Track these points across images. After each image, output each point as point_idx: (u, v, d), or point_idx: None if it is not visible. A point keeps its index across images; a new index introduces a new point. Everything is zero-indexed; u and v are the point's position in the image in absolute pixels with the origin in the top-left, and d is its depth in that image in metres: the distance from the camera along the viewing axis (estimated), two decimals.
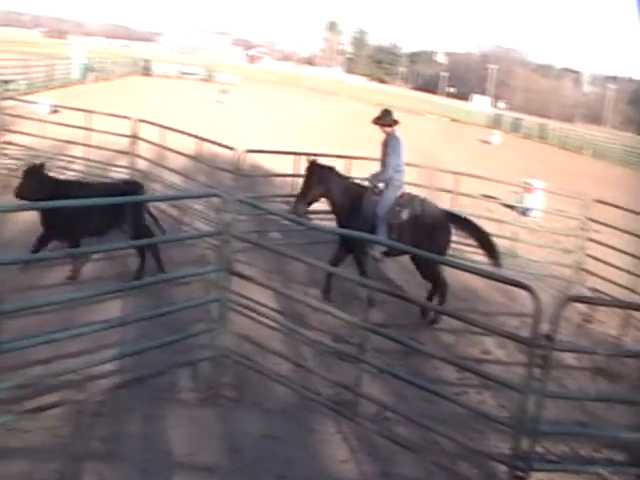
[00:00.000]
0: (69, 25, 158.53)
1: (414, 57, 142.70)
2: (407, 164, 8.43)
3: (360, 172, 11.36)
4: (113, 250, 7.51)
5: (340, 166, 11.95)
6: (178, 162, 12.15)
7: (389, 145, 8.38)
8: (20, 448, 4.79)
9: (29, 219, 8.38)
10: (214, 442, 5.14)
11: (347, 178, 8.93)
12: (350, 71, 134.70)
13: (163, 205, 10.77)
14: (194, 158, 11.59)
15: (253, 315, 6.25)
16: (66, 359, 5.80)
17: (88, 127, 12.88)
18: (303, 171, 8.70)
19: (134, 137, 12.39)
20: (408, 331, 7.43)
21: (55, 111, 19.12)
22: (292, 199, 11.43)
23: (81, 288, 7.10)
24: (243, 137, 17.42)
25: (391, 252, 8.28)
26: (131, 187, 8.29)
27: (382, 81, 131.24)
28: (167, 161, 12.12)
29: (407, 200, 8.40)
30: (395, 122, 8.45)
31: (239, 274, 6.16)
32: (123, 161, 12.57)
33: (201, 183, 11.03)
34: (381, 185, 8.41)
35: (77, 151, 13.20)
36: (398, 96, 75.23)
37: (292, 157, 11.00)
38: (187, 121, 17.94)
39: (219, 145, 10.71)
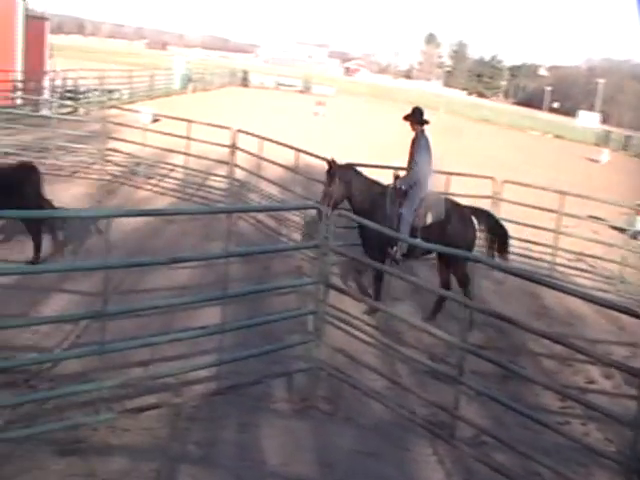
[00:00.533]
0: (170, 37, 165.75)
1: (516, 71, 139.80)
2: (507, 181, 8.30)
3: (460, 188, 11.30)
4: (212, 258, 7.73)
5: (439, 182, 11.96)
6: (275, 173, 12.44)
7: (418, 144, 8.29)
8: (119, 446, 5.03)
9: (133, 223, 8.81)
10: (307, 454, 5.21)
11: (367, 177, 8.62)
12: (448, 85, 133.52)
13: (261, 215, 11.05)
14: (291, 169, 11.82)
15: (348, 329, 6.32)
16: (164, 362, 6.05)
17: (188, 136, 13.41)
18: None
19: (233, 147, 12.78)
20: (507, 354, 7.27)
21: (156, 120, 20.00)
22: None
23: (181, 294, 7.39)
24: (339, 149, 17.60)
25: (411, 254, 8.19)
26: (24, 171, 8.46)
27: (482, 95, 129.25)
28: (264, 171, 12.44)
29: (432, 202, 8.27)
30: (425, 122, 8.36)
31: (336, 287, 6.24)
32: (222, 170, 13.00)
33: (298, 194, 11.24)
34: (407, 186, 8.24)
35: (177, 159, 13.76)
36: (499, 111, 73.78)
37: (389, 171, 11.05)
38: (284, 132, 18.31)
39: (316, 157, 10.89)
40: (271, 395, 5.98)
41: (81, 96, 26.78)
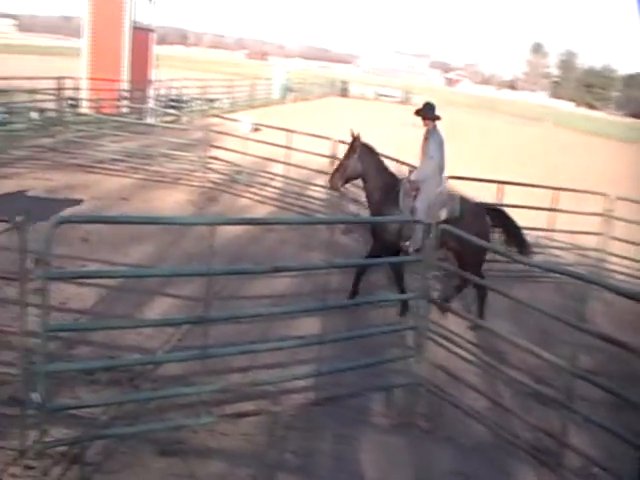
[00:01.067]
0: (270, 47, 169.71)
1: (630, 80, 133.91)
2: (621, 198, 8.00)
3: (568, 204, 10.99)
4: (315, 269, 7.86)
5: (545, 197, 11.68)
6: None
7: (430, 140, 8.28)
8: (218, 449, 5.20)
9: (234, 231, 9.06)
10: (404, 471, 5.20)
11: (385, 165, 8.65)
12: (556, 96, 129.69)
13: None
14: None
15: (450, 346, 6.26)
16: (263, 370, 6.21)
17: (288, 146, 13.69)
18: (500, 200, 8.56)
19: (333, 157, 12.91)
20: (619, 381, 6.97)
21: (256, 129, 20.52)
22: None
23: (279, 302, 7.56)
24: None
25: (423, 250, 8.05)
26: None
27: (591, 107, 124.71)
28: None
29: (446, 199, 8.26)
30: (437, 117, 8.35)
31: (438, 303, 6.21)
32: (321, 180, 13.18)
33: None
34: (421, 180, 8.24)
35: (277, 168, 14.06)
36: (611, 123, 71.02)
37: (493, 185, 10.91)
38: (383, 143, 18.33)
39: (415, 168, 10.85)
40: (369, 408, 6.01)
41: (184, 105, 27.87)
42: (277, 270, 8.35)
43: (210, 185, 13.96)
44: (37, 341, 4.68)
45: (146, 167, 14.35)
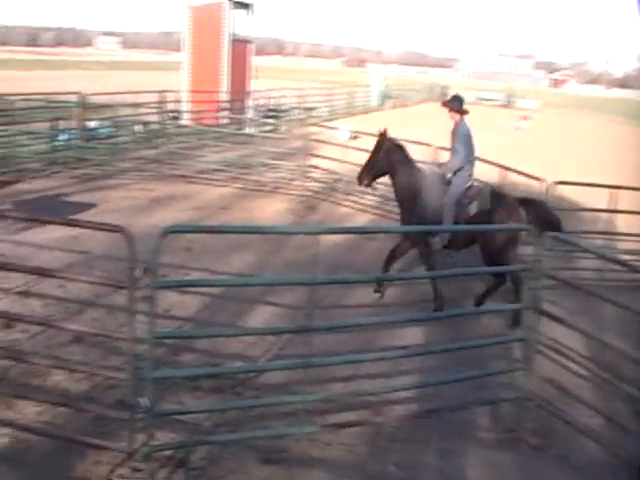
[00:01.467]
0: (368, 54, 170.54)
1: None
2: None
3: None
4: (418, 279, 7.85)
5: None
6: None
7: (457, 133, 8.34)
8: (320, 459, 5.26)
9: (333, 239, 9.14)
10: None
11: (412, 161, 8.70)
12: None
13: None
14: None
15: (560, 359, 6.06)
16: (366, 380, 6.23)
17: None
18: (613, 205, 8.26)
19: (434, 164, 12.81)
20: None
21: (355, 137, 20.63)
22: (606, 236, 10.91)
23: (381, 312, 7.58)
24: (545, 167, 16.97)
25: (452, 245, 8.23)
26: None
27: None
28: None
29: (476, 193, 8.28)
30: (465, 111, 8.41)
31: (548, 314, 6.03)
32: None
33: None
34: (449, 175, 8.27)
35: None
36: None
37: (605, 190, 10.50)
38: (486, 149, 18.02)
39: (525, 175, 10.62)
40: (474, 423, 5.91)
41: (282, 114, 28.42)
42: (380, 280, 8.44)
43: (309, 193, 14.16)
44: (144, 347, 4.90)
45: (246, 177, 14.74)
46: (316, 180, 14.73)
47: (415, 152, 12.80)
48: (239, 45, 25.56)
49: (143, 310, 4.74)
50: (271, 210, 12.59)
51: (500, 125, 37.15)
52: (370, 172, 8.63)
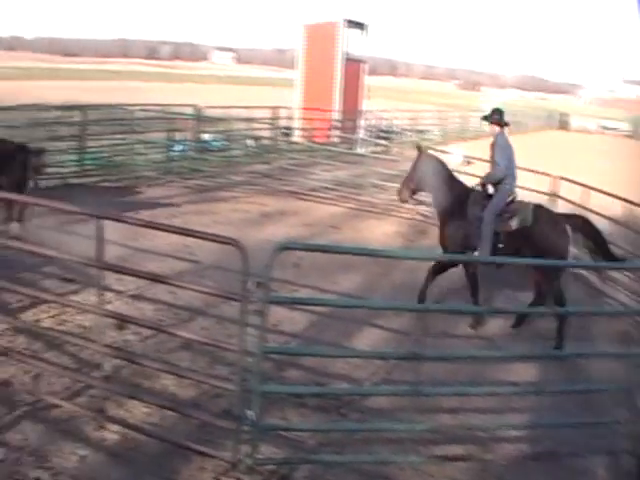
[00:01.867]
0: (483, 77, 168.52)
1: None
2: None
3: None
4: (534, 312, 7.65)
5: None
6: (600, 226, 11.86)
7: (497, 145, 8.46)
8: None
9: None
10: None
11: (452, 174, 8.83)
12: None
13: (582, 271, 10.63)
14: (620, 223, 11.18)
15: None
16: (474, 413, 6.11)
17: None
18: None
19: (553, 195, 12.50)
20: None
21: (468, 162, 20.39)
22: None
23: (492, 344, 7.44)
24: None
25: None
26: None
27: None
28: None
29: (518, 207, 8.27)
30: (505, 124, 8.58)
31: None
32: None
33: (626, 251, 10.57)
34: (491, 188, 8.37)
35: None
36: None
37: None
38: (611, 181, 17.42)
39: (613, 196, 10.29)
40: (592, 472, 5.64)
41: (394, 136, 28.50)
42: (495, 312, 8.29)
43: (420, 217, 14.10)
44: (253, 361, 5.03)
45: (356, 197, 14.85)
46: (427, 204, 14.63)
47: (533, 182, 12.61)
48: (352, 64, 25.91)
49: (253, 323, 4.87)
50: (380, 232, 12.63)
51: (626, 156, 35.74)
52: (409, 188, 8.91)
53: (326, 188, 15.22)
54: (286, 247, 5.12)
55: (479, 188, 8.52)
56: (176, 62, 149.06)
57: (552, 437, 5.84)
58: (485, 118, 8.77)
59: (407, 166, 15.92)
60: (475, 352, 6.46)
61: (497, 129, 8.59)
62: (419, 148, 9.05)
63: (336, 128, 24.60)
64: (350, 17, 25.69)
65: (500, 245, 8.21)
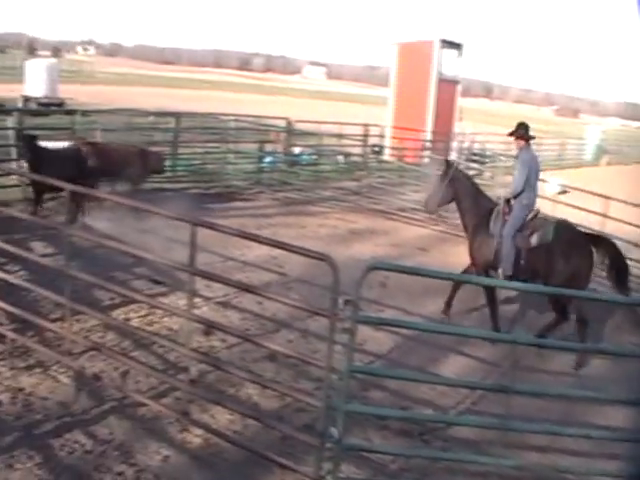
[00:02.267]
0: (582, 104, 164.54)
1: None
2: None
3: None
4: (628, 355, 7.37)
5: None
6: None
7: (519, 159, 8.56)
8: None
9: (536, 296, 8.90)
10: None
11: (478, 189, 9.04)
12: None
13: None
14: None
15: None
16: (563, 455, 5.96)
17: (604, 213, 13.10)
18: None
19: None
20: None
21: (565, 191, 19.97)
22: None
23: (582, 383, 7.23)
24: None
25: (515, 276, 8.20)
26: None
27: None
28: None
29: (539, 224, 8.34)
30: (531, 137, 8.65)
31: None
32: (637, 254, 12.37)
33: None
34: (512, 202, 8.49)
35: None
36: None
37: None
38: None
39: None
40: None
41: (487, 160, 28.16)
42: (587, 350, 8.05)
43: None
44: (338, 378, 5.07)
45: (445, 220, 14.73)
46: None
47: (635, 215, 12.24)
48: (446, 85, 25.78)
49: (341, 341, 4.91)
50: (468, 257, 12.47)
51: None
52: (436, 200, 9.12)
53: (414, 209, 15.16)
54: (376, 267, 5.15)
55: (503, 203, 8.61)
56: (268, 74, 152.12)
57: None
58: (511, 134, 8.84)
59: (499, 191, 15.81)
60: (572, 392, 6.26)
61: (522, 143, 8.70)
62: (447, 162, 9.26)
63: (427, 149, 24.49)
64: (445, 37, 25.64)
65: (522, 262, 8.35)
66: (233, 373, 6.01)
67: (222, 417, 5.84)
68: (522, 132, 8.67)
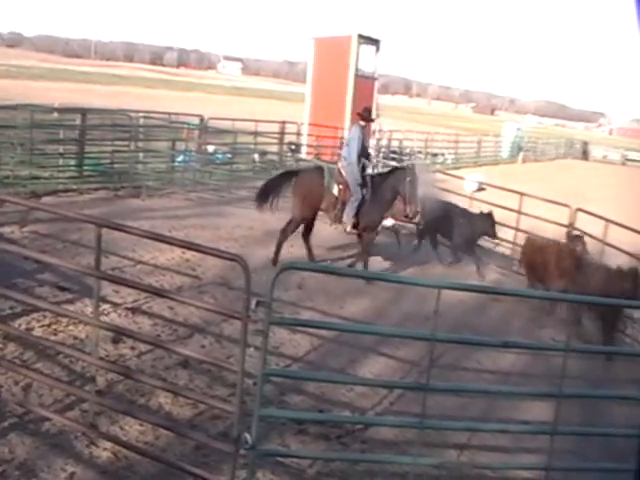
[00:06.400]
0: (500, 101, 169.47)
1: None
2: None
3: None
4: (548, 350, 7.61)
5: None
6: (621, 261, 11.91)
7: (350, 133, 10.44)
8: None
9: (459, 296, 9.09)
10: None
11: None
12: None
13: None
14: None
15: None
16: (482, 451, 6.12)
17: (519, 210, 13.52)
18: None
19: (571, 227, 12.57)
20: None
21: (481, 189, 20.51)
22: None
23: (504, 380, 7.44)
24: None
25: None
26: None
27: None
28: (607, 258, 11.97)
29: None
30: (370, 119, 12.11)
31: None
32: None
33: None
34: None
35: (505, 233, 13.84)
36: None
37: None
38: (633, 216, 17.49)
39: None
40: None
41: (405, 157, 28.63)
42: (506, 346, 8.26)
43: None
44: (252, 383, 5.05)
45: None
46: None
47: (550, 212, 12.69)
48: (364, 81, 25.98)
49: (254, 344, 4.89)
50: (391, 258, 12.68)
51: None
52: None
53: None
54: (290, 267, 5.14)
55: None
56: (181, 69, 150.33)
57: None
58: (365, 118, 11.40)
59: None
60: (489, 387, 6.45)
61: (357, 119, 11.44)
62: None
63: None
64: (363, 32, 25.82)
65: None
66: (144, 382, 5.91)
67: (132, 428, 5.71)
68: (365, 115, 11.48)
